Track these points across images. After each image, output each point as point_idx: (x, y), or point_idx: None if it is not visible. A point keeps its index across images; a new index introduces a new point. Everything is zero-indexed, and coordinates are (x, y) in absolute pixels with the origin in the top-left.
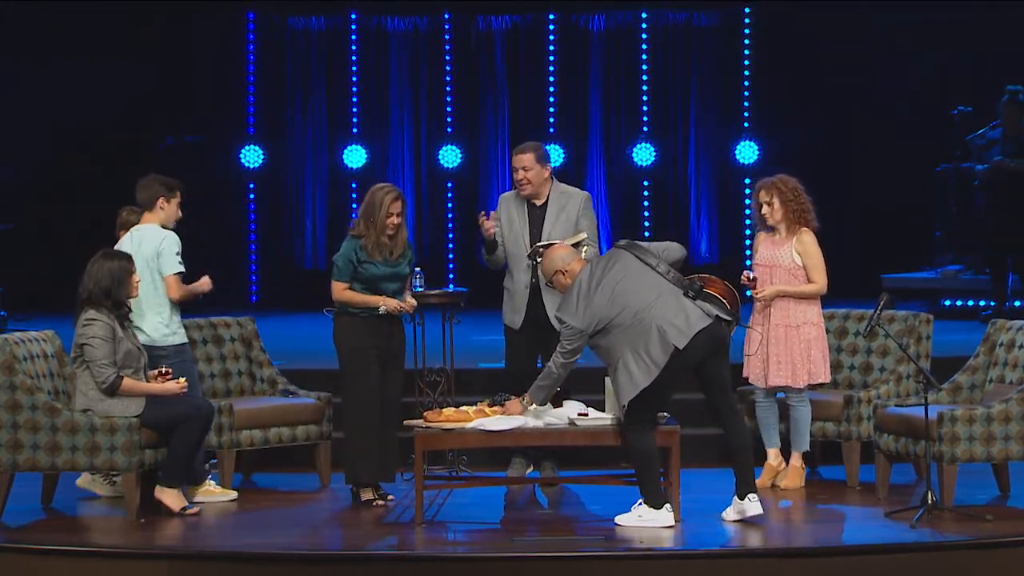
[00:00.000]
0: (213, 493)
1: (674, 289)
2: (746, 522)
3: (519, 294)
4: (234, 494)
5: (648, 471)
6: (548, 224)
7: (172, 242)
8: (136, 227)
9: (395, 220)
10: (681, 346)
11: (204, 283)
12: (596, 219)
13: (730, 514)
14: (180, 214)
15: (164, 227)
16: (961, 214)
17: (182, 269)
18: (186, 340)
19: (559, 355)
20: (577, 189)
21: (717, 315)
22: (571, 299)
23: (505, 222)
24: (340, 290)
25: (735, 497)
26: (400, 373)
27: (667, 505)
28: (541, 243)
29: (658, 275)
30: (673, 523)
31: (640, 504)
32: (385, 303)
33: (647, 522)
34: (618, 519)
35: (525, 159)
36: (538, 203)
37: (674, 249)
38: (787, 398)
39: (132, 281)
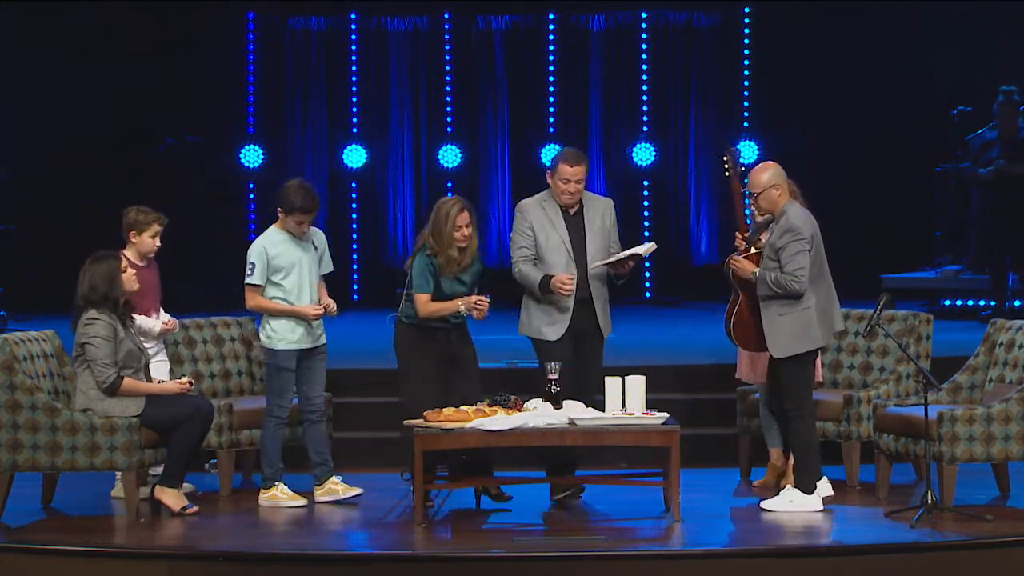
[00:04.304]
0: (336, 491)
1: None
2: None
3: (560, 303)
4: (360, 489)
5: (807, 457)
6: (589, 232)
7: (252, 251)
8: None
9: (465, 232)
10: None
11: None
12: None
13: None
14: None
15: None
16: (961, 214)
17: (250, 280)
18: (286, 347)
19: (787, 277)
20: (599, 195)
21: None
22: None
23: (540, 231)
24: (425, 303)
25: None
26: (472, 372)
27: (818, 491)
28: (605, 261)
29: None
30: (823, 508)
31: (790, 488)
32: (464, 302)
33: (797, 507)
34: (765, 504)
35: (582, 171)
36: (572, 211)
37: None
38: None
39: (123, 279)
